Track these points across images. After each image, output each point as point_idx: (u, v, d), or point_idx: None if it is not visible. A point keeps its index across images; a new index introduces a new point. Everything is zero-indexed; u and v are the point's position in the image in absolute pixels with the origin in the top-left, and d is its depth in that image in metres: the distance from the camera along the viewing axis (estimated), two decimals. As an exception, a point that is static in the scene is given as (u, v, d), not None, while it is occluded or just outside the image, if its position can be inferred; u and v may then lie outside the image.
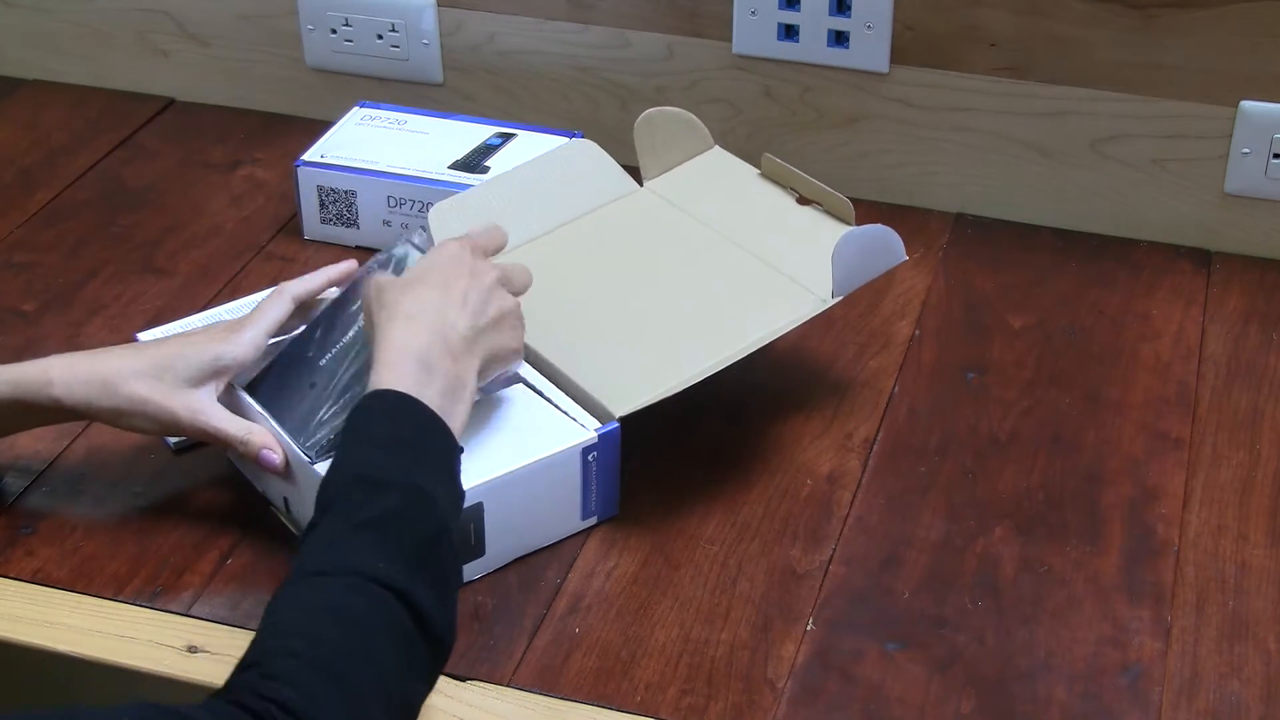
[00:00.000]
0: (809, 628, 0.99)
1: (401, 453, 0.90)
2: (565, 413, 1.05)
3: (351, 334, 1.05)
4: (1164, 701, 0.94)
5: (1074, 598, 1.01)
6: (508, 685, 0.95)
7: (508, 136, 1.34)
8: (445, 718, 0.93)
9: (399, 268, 1.07)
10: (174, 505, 1.08)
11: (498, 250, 1.06)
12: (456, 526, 0.90)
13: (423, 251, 1.07)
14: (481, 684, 0.95)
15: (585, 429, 1.03)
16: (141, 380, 1.00)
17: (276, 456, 1.01)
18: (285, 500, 1.05)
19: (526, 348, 1.07)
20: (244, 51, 1.53)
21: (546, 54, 1.43)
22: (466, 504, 0.95)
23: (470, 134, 1.35)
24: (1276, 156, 1.28)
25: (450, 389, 0.94)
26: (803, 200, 1.19)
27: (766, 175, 1.21)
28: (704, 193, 1.21)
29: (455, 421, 0.94)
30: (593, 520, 1.06)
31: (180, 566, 1.03)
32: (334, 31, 1.48)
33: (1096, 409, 1.16)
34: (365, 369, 0.98)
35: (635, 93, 1.42)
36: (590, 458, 1.03)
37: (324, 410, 1.02)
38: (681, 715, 0.93)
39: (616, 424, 1.03)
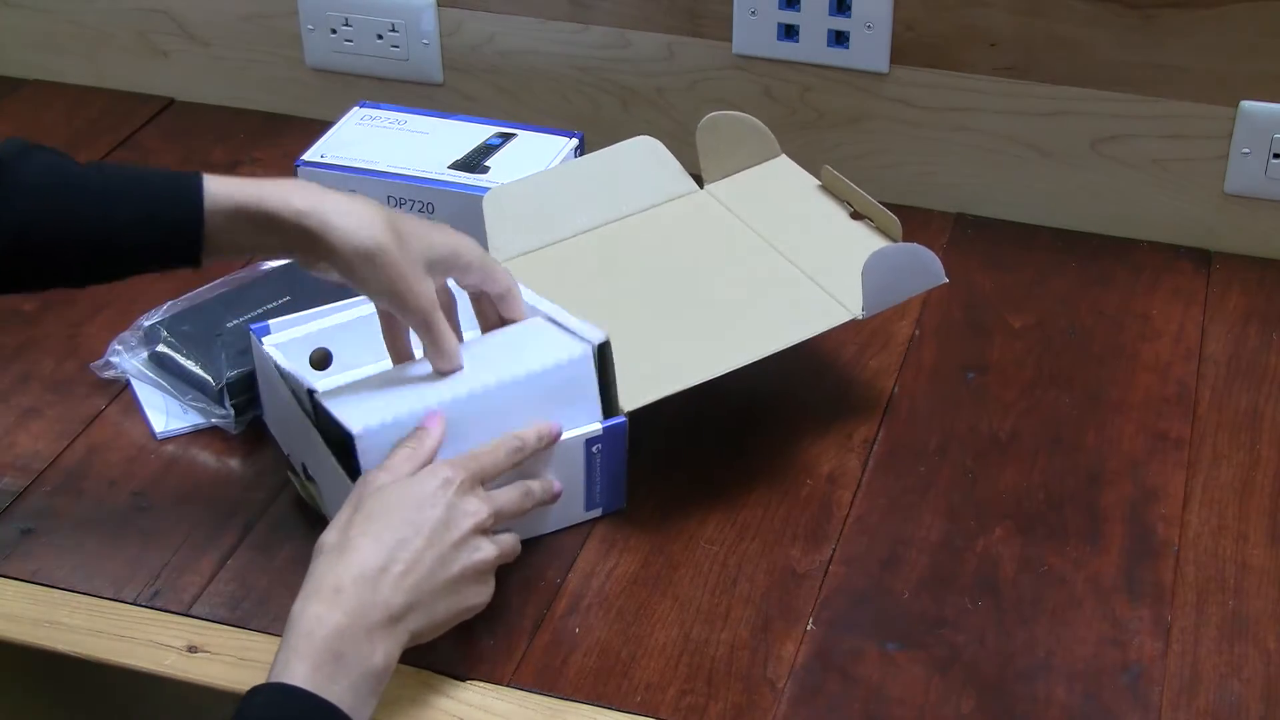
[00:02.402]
0: (809, 628, 0.99)
1: None
2: None
3: (259, 311, 1.17)
4: (1164, 701, 0.94)
5: (1074, 598, 1.01)
6: (508, 685, 0.95)
7: (508, 136, 1.34)
8: (445, 718, 0.93)
9: None
10: (174, 505, 1.08)
11: (500, 473, 0.97)
12: None
13: None
14: (481, 684, 0.95)
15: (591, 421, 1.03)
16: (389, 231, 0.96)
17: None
18: (304, 467, 1.05)
19: None
20: (244, 51, 1.53)
21: (546, 54, 1.44)
22: None
23: (470, 134, 1.35)
24: (1276, 156, 1.28)
25: (364, 680, 0.85)
26: (855, 215, 1.19)
27: (825, 187, 1.21)
28: (760, 200, 1.22)
29: (364, 715, 0.86)
30: (597, 512, 1.06)
31: (180, 566, 1.03)
32: (334, 31, 1.48)
33: (1096, 409, 1.16)
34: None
35: (635, 93, 1.42)
36: (594, 449, 1.03)
37: (223, 357, 1.13)
38: (681, 715, 0.93)
39: (623, 418, 1.03)
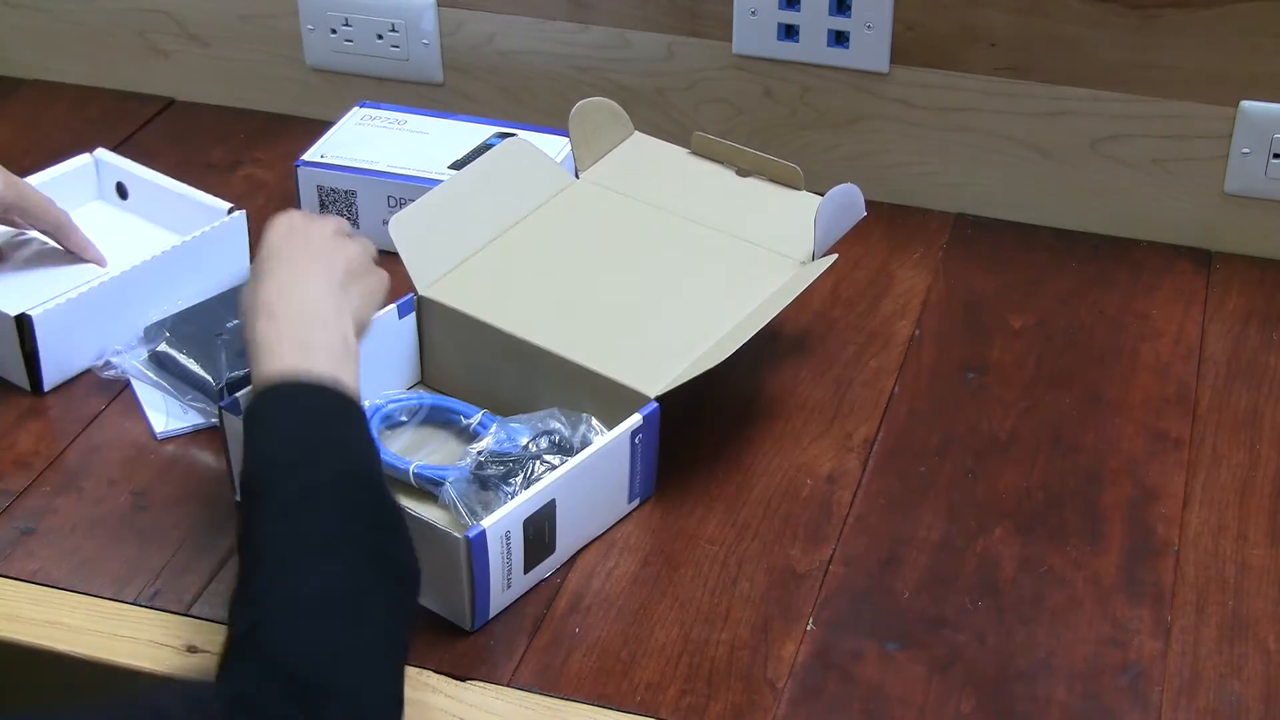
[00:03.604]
0: (809, 628, 0.99)
1: (309, 428, 0.90)
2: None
3: None
4: (1164, 701, 0.94)
5: (1074, 598, 1.01)
6: (508, 685, 0.95)
7: (507, 136, 1.34)
8: (445, 717, 0.93)
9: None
10: (174, 505, 1.08)
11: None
12: (380, 471, 0.90)
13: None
14: (481, 684, 0.95)
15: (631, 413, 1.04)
16: None
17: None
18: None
19: (543, 351, 1.08)
20: (244, 51, 1.53)
21: (546, 54, 1.43)
22: (539, 504, 0.98)
23: (470, 134, 1.35)
24: (1276, 156, 1.28)
25: (333, 355, 0.93)
26: (743, 172, 1.21)
27: (699, 153, 1.24)
28: (646, 177, 1.23)
29: (347, 378, 0.93)
30: (636, 503, 1.07)
31: (180, 566, 1.03)
32: (334, 31, 1.48)
33: (1096, 409, 1.16)
34: None
35: (635, 93, 1.42)
36: (637, 440, 1.03)
37: (224, 357, 1.14)
38: (681, 715, 0.93)
39: (656, 405, 1.04)
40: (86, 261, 1.25)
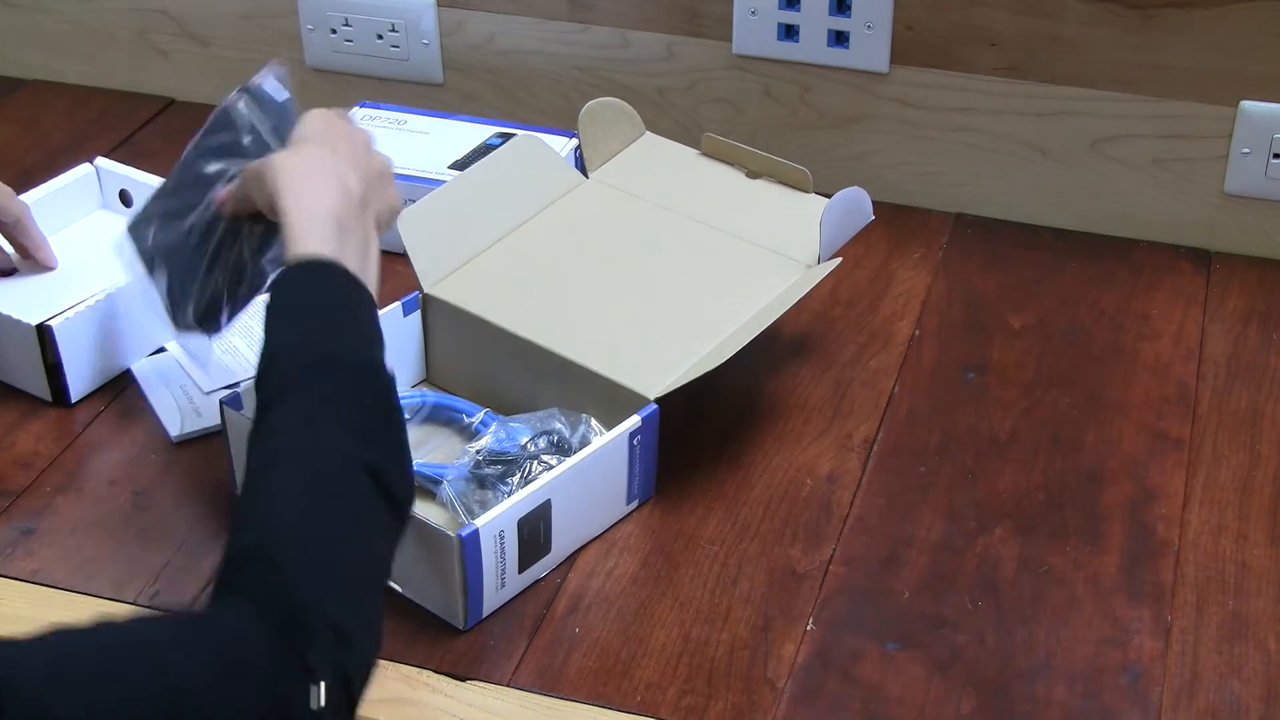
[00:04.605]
0: (809, 628, 0.99)
1: (336, 326, 0.89)
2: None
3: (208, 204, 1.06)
4: (1164, 701, 0.94)
5: (1074, 598, 1.01)
6: (508, 685, 0.95)
7: (508, 136, 1.34)
8: (445, 717, 0.93)
9: (261, 101, 1.07)
10: (174, 505, 1.08)
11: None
12: (394, 383, 0.89)
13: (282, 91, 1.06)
14: (481, 684, 0.95)
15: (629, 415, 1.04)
16: None
17: None
18: None
19: (544, 351, 1.08)
20: (244, 51, 1.53)
21: (546, 54, 1.44)
22: (534, 504, 0.98)
23: (470, 134, 1.35)
24: (1276, 156, 1.28)
25: (361, 247, 0.93)
26: (752, 174, 1.21)
27: (709, 154, 1.23)
28: (655, 178, 1.23)
29: (370, 280, 0.93)
30: (635, 504, 1.07)
31: (180, 566, 1.03)
32: (334, 31, 1.48)
33: (1096, 409, 1.16)
34: (241, 239, 1.02)
35: (635, 93, 1.42)
36: (635, 441, 1.03)
37: (201, 273, 1.04)
38: (681, 715, 0.93)
39: (655, 407, 1.04)
40: (39, 263, 1.23)
